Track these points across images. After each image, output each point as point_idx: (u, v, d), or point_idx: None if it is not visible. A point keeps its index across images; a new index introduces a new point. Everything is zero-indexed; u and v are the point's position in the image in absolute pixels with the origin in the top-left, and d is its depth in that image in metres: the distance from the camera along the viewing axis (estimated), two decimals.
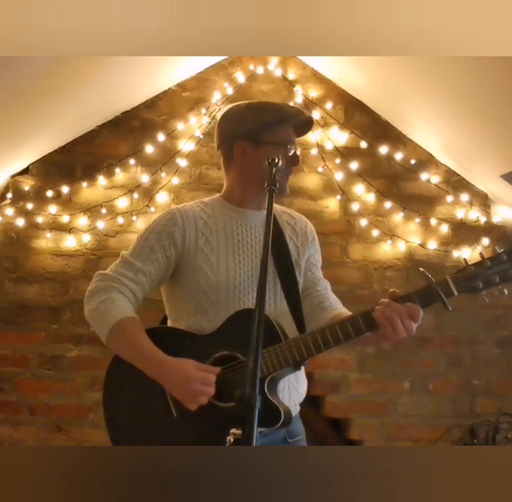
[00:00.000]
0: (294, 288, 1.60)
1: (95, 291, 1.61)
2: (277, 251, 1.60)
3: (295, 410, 1.59)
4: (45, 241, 3.07)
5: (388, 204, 3.16)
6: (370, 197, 3.17)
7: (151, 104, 3.18)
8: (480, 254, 1.39)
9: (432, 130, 3.10)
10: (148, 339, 1.49)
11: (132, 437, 1.52)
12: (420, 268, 1.39)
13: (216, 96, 3.16)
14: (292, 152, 1.61)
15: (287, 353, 1.41)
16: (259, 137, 1.60)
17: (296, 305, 1.57)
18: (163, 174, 3.11)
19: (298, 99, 3.17)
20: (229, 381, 1.43)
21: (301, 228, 1.71)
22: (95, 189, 3.11)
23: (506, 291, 1.36)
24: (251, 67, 3.19)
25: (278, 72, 3.21)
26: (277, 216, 1.67)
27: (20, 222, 3.05)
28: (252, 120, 1.62)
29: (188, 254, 1.59)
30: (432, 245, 3.14)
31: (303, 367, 1.62)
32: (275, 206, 1.65)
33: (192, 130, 3.14)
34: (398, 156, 3.20)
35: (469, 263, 1.37)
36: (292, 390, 1.57)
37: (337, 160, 3.17)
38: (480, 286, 1.35)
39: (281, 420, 1.38)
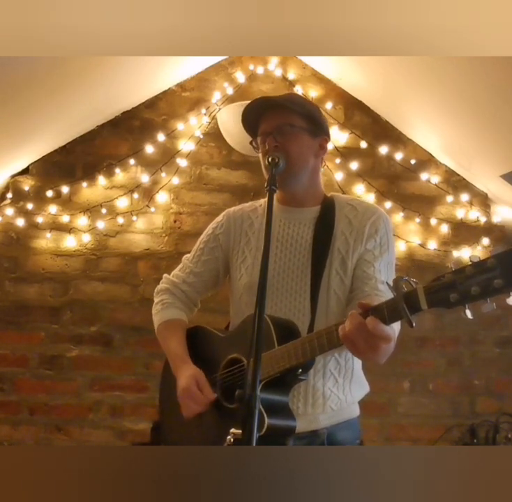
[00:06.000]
0: (316, 288, 1.52)
1: (156, 293, 1.79)
2: (317, 250, 1.55)
3: (334, 415, 1.52)
4: (45, 241, 3.07)
5: (388, 204, 3.16)
6: (370, 197, 3.17)
7: (151, 104, 3.18)
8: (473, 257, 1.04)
9: (432, 130, 3.10)
10: (179, 339, 1.64)
11: (169, 423, 1.68)
12: (397, 276, 1.12)
13: (216, 96, 3.16)
14: (264, 142, 1.57)
15: (274, 362, 1.36)
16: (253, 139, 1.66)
17: (313, 306, 1.51)
18: (163, 174, 3.11)
19: None
20: (231, 383, 1.47)
21: (361, 221, 1.56)
22: (95, 189, 3.11)
23: (494, 305, 1.01)
24: (251, 67, 3.20)
25: (278, 72, 3.21)
26: (336, 209, 1.61)
27: (20, 222, 3.05)
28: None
29: (232, 255, 1.67)
30: (432, 245, 3.14)
31: (357, 372, 1.58)
32: (345, 196, 1.72)
33: (192, 130, 3.14)
34: (398, 156, 3.20)
35: (454, 269, 1.05)
36: (330, 395, 1.51)
37: (337, 160, 3.17)
38: (455, 298, 1.05)
39: (264, 429, 1.32)
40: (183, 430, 1.59)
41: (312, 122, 1.61)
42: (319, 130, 1.63)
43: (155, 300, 1.76)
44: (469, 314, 1.07)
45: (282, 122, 1.57)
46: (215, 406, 1.49)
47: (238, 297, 1.63)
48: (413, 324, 1.10)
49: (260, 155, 1.62)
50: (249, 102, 1.65)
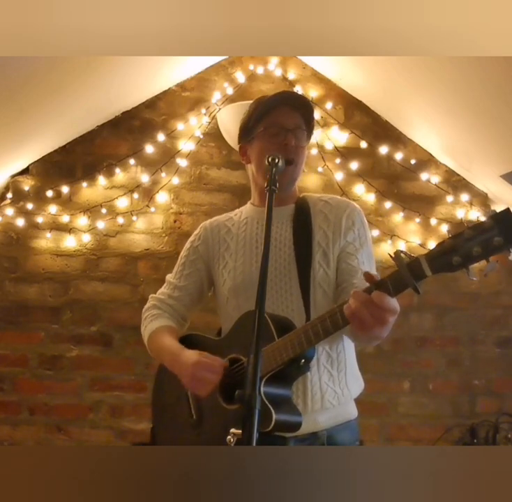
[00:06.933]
0: (306, 282, 1.53)
1: (144, 311, 1.77)
2: (300, 245, 1.56)
3: (334, 416, 1.53)
4: (45, 241, 3.07)
5: (388, 204, 3.16)
6: (370, 197, 3.17)
7: (151, 104, 3.18)
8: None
9: (432, 130, 3.10)
10: (172, 338, 1.60)
11: (165, 433, 1.65)
12: (399, 250, 1.15)
13: (216, 96, 3.16)
14: (282, 138, 1.55)
15: (276, 354, 1.36)
16: (250, 133, 1.64)
17: (306, 300, 1.51)
18: (163, 174, 3.11)
19: None
20: (233, 383, 1.45)
21: (337, 215, 1.59)
22: (95, 189, 3.11)
23: (497, 265, 1.05)
24: (251, 67, 3.20)
25: (278, 72, 3.21)
26: (310, 206, 1.62)
27: (20, 222, 3.05)
28: (243, 119, 1.67)
29: (214, 263, 1.68)
30: (432, 245, 3.13)
31: (351, 365, 1.59)
32: (315, 195, 1.70)
33: (192, 130, 3.14)
34: (398, 156, 3.20)
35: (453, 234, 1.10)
36: (326, 390, 1.52)
37: (337, 160, 3.17)
38: (458, 261, 1.07)
39: (272, 424, 1.31)
40: (182, 436, 1.57)
41: (310, 130, 1.64)
42: (308, 138, 1.66)
43: (144, 316, 1.74)
44: (472, 275, 1.08)
45: (300, 125, 1.59)
46: (217, 409, 1.47)
47: (224, 302, 1.63)
48: (420, 291, 1.12)
49: (265, 144, 1.58)
50: (251, 101, 1.65)
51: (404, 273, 1.13)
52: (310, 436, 1.49)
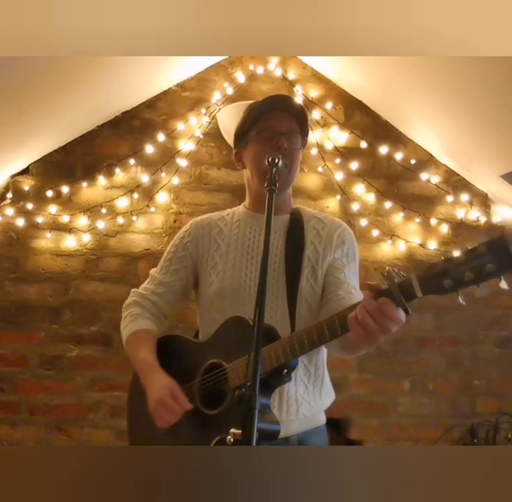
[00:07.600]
0: (293, 294, 1.53)
1: (125, 307, 1.74)
2: (291, 257, 1.56)
3: (305, 423, 1.53)
4: (45, 241, 3.07)
5: (388, 204, 3.16)
6: (370, 197, 3.17)
7: (151, 104, 3.18)
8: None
9: (432, 130, 3.10)
10: (149, 348, 1.58)
11: (140, 437, 1.63)
12: (388, 268, 1.15)
13: (216, 96, 3.16)
14: (276, 141, 1.55)
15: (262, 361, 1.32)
16: (244, 138, 1.63)
17: (292, 311, 1.51)
18: (163, 174, 3.11)
19: (298, 99, 3.17)
20: (211, 389, 1.45)
21: (328, 233, 1.62)
22: (95, 189, 3.11)
23: (486, 290, 1.07)
24: (251, 67, 3.20)
25: (278, 72, 3.21)
26: (304, 220, 1.63)
27: (20, 222, 3.05)
28: (237, 125, 1.66)
29: (202, 262, 1.65)
30: (432, 245, 3.14)
31: (325, 378, 1.59)
32: (309, 210, 1.71)
33: (192, 130, 3.14)
34: (398, 156, 3.20)
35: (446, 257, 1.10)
36: (302, 402, 1.52)
37: (337, 160, 3.17)
38: (449, 285, 1.07)
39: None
40: (157, 440, 1.54)
41: (304, 136, 1.64)
42: (303, 142, 1.65)
43: (124, 313, 1.71)
44: (461, 299, 1.09)
45: (293, 128, 1.59)
46: (195, 414, 1.45)
47: (208, 303, 1.61)
48: (410, 312, 1.13)
49: (259, 147, 1.58)
50: (251, 101, 1.65)
51: (395, 292, 1.13)
52: (282, 441, 1.47)
